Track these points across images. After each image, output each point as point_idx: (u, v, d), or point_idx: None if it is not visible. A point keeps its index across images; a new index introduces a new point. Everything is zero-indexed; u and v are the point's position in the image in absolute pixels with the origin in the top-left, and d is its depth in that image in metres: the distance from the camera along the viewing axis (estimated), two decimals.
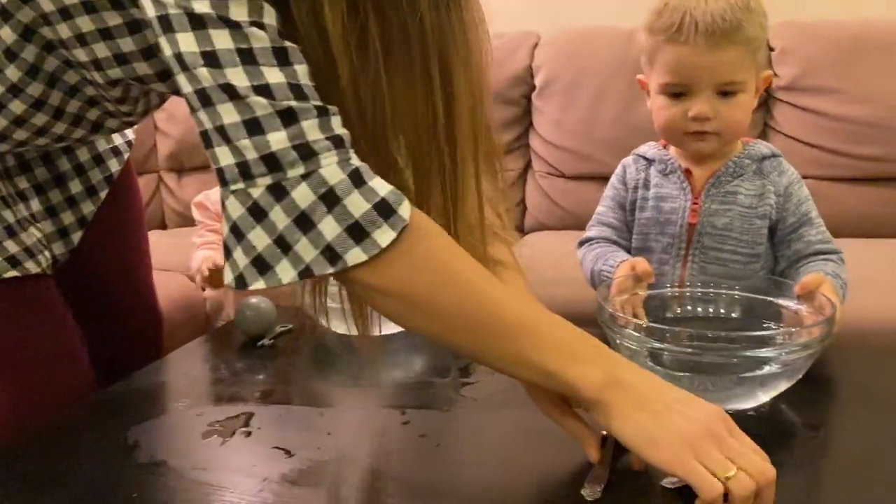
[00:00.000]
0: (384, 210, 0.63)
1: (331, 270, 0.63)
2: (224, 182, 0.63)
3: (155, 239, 2.12)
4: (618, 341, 0.83)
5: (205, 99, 0.61)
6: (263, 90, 0.61)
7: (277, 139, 0.61)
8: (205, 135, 0.63)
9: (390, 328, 1.04)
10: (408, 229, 0.63)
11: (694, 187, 1.07)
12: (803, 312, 0.88)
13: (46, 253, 0.94)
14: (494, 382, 0.90)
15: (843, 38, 1.85)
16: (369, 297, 0.67)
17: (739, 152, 1.06)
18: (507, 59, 2.10)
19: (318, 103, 0.63)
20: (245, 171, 0.62)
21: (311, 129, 0.62)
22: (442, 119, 0.70)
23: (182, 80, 0.62)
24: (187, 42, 0.61)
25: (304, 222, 0.62)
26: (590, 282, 1.15)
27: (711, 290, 0.97)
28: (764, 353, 0.76)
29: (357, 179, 0.63)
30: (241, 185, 0.62)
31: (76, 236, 1.00)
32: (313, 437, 0.78)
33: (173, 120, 2.30)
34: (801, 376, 0.79)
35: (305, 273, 0.63)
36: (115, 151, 1.04)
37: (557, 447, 0.76)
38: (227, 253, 0.65)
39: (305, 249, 0.62)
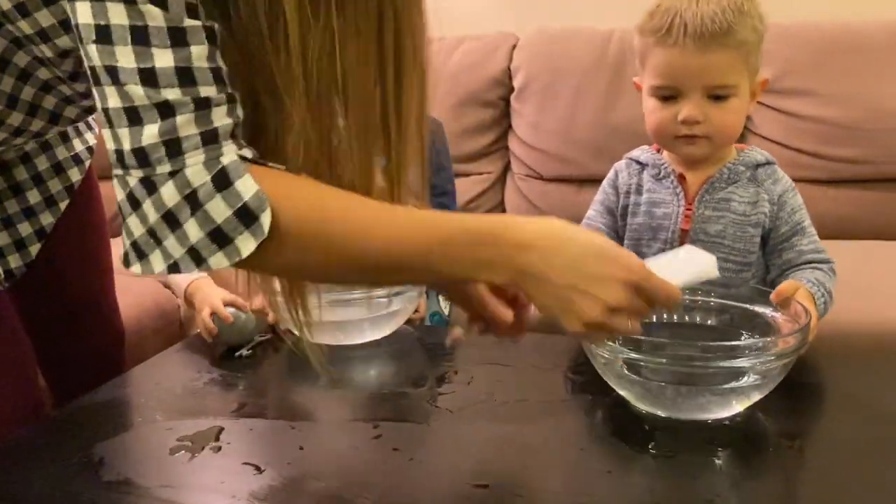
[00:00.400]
0: (246, 217, 0.62)
1: (196, 269, 0.63)
2: (111, 162, 0.63)
3: None
4: (592, 350, 0.83)
5: (95, 77, 0.61)
6: (148, 75, 0.59)
7: (149, 133, 0.60)
8: (100, 112, 0.63)
9: (365, 337, 1.04)
10: (269, 238, 0.62)
11: (687, 193, 1.05)
12: (780, 321, 0.87)
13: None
14: (470, 392, 0.90)
15: (818, 39, 1.86)
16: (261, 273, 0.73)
17: (734, 158, 1.05)
18: (486, 60, 2.09)
19: (208, 93, 0.61)
20: (121, 159, 0.62)
21: (184, 124, 0.61)
22: (391, 87, 0.70)
23: (82, 52, 0.61)
24: (84, 12, 0.59)
25: (172, 221, 0.62)
26: None
27: (687, 297, 0.97)
28: (738, 363, 0.76)
29: (221, 181, 0.62)
30: (119, 172, 0.62)
31: (34, 248, 0.97)
32: (284, 452, 0.77)
33: None
34: (775, 385, 0.79)
35: (174, 268, 0.63)
36: (76, 160, 1.01)
37: (534, 460, 0.75)
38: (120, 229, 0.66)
39: (173, 247, 0.63)
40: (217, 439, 0.80)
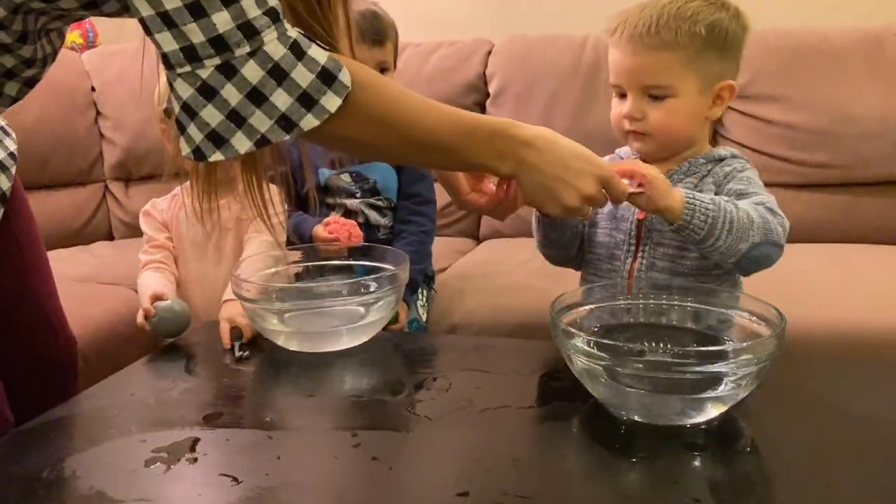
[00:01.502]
0: (327, 77, 0.71)
1: (286, 137, 0.71)
2: (170, 66, 0.67)
3: (101, 251, 2.09)
4: (571, 356, 0.83)
5: None
6: None
7: (222, 21, 0.65)
8: (144, 22, 0.66)
9: (342, 344, 1.03)
10: (351, 92, 0.73)
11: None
12: (756, 326, 0.88)
13: None
14: (448, 400, 0.89)
15: (788, 46, 1.89)
16: (327, 145, 0.86)
17: (699, 155, 1.07)
18: (461, 66, 2.10)
19: None
20: (191, 54, 0.66)
21: (249, 6, 0.66)
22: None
23: None
24: None
25: (257, 97, 0.68)
26: (537, 236, 1.17)
27: (664, 301, 0.97)
28: (715, 369, 0.76)
29: (298, 52, 0.70)
30: (187, 69, 0.67)
31: None
32: (261, 463, 0.76)
33: (120, 128, 2.23)
34: (751, 390, 0.80)
35: (261, 142, 0.70)
36: (2, 167, 0.99)
37: (514, 467, 0.75)
38: (181, 128, 0.70)
39: (260, 121, 0.69)
40: (193, 450, 0.78)
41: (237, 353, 1.04)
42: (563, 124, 1.98)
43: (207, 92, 0.67)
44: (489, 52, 2.11)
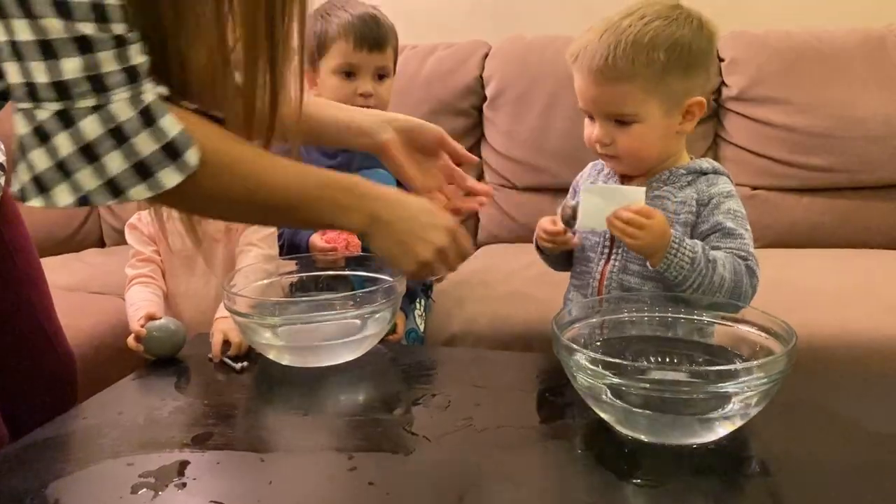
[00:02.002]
0: (172, 152, 0.68)
1: (112, 201, 0.68)
2: (13, 96, 0.64)
3: (92, 259, 2.06)
4: (574, 373, 0.80)
5: (1, 11, 0.60)
6: (62, 8, 0.60)
7: (71, 67, 0.62)
8: (4, 45, 0.62)
9: (337, 359, 1.00)
10: (196, 171, 0.69)
11: None
12: (765, 338, 0.86)
13: None
14: (448, 418, 0.86)
15: (789, 48, 1.86)
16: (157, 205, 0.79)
17: (681, 165, 1.06)
18: (458, 68, 2.07)
19: (119, 31, 0.63)
20: (33, 93, 0.63)
21: (106, 60, 0.63)
22: (280, 21, 0.74)
23: None
24: None
25: (89, 154, 0.65)
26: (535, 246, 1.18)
27: (670, 313, 0.95)
28: (725, 389, 0.74)
29: (147, 118, 0.66)
30: (27, 105, 0.63)
31: None
32: (253, 488, 0.73)
33: None
34: (761, 408, 0.77)
35: (83, 201, 0.67)
36: None
37: (516, 491, 0.72)
38: (16, 164, 0.67)
39: (87, 179, 0.66)
40: (182, 474, 0.75)
41: (237, 365, 1.02)
42: (563, 127, 1.96)
43: (41, 135, 0.64)
44: (486, 55, 2.08)
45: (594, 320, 0.94)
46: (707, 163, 1.07)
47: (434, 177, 1.04)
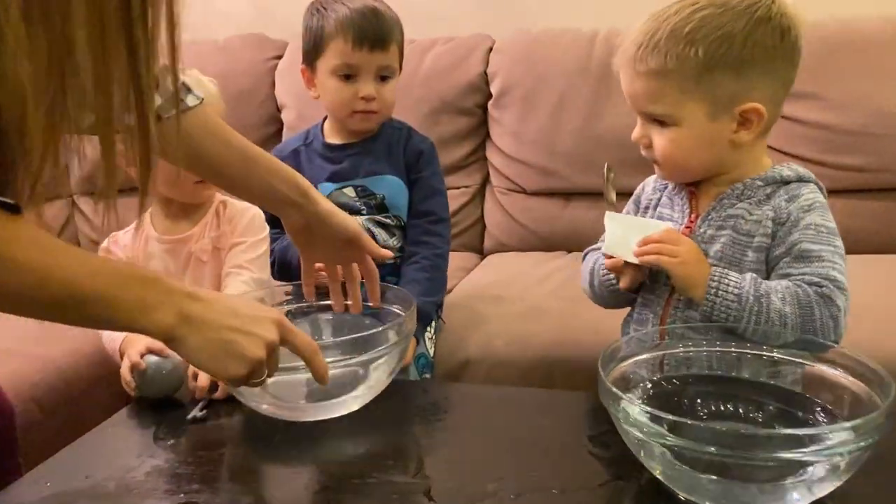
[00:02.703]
0: None
1: None
2: None
3: None
4: (624, 426, 0.67)
5: None
6: None
7: None
8: None
9: (335, 412, 0.86)
10: None
11: (694, 210, 0.94)
12: (852, 383, 0.73)
13: None
14: (473, 478, 0.73)
15: (819, 39, 1.72)
16: None
17: (758, 175, 0.91)
18: (460, 64, 1.93)
19: None
20: None
21: None
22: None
23: None
24: None
25: None
26: (587, 283, 1.04)
27: (734, 348, 0.82)
28: (803, 456, 0.61)
29: None
30: None
31: None
32: None
33: (90, 137, 2.04)
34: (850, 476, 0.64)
35: None
36: None
37: None
38: None
39: None
40: None
41: (194, 414, 0.89)
42: (574, 127, 1.83)
43: None
44: (490, 49, 1.94)
45: (644, 356, 0.81)
46: (789, 169, 0.91)
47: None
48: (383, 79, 1.30)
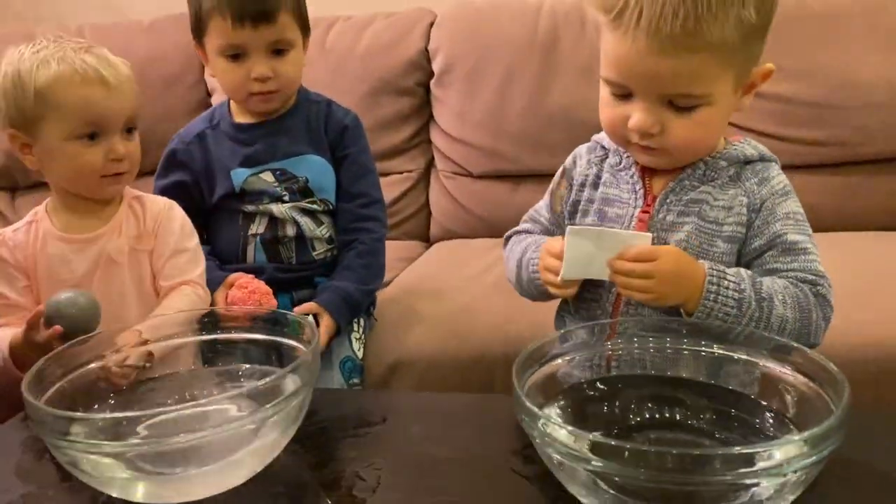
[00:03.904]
0: None
1: None
2: None
3: None
4: (542, 447, 0.57)
5: None
6: None
7: None
8: None
9: (220, 487, 0.70)
10: None
11: (649, 191, 0.84)
12: (802, 383, 0.63)
13: None
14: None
15: (779, 8, 1.63)
16: None
17: (717, 152, 0.82)
18: (400, 41, 1.83)
19: None
20: None
21: None
22: None
23: None
24: None
25: None
26: (514, 275, 0.92)
27: (668, 344, 0.71)
28: (750, 478, 0.52)
29: None
30: None
31: None
32: None
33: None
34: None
35: None
36: None
37: None
38: None
39: None
40: None
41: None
42: (521, 105, 1.73)
43: None
44: (431, 24, 1.84)
45: (570, 357, 0.71)
46: (751, 147, 0.83)
47: None
48: (278, 52, 1.16)
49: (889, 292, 1.26)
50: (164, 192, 1.20)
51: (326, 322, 1.15)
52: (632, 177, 0.84)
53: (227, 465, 0.66)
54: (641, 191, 0.84)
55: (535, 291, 0.89)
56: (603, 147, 0.89)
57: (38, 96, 0.97)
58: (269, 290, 1.13)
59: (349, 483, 0.67)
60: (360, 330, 1.23)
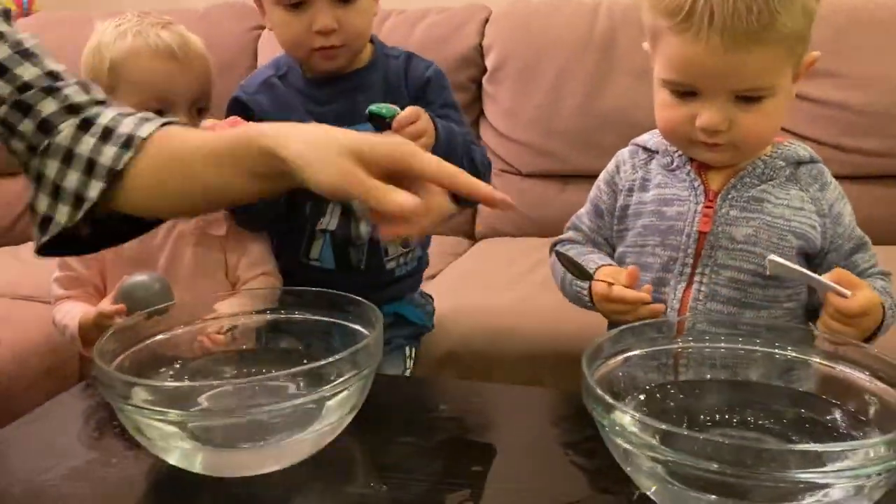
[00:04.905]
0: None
1: None
2: None
3: (30, 254, 1.79)
4: (612, 438, 0.56)
5: None
6: None
7: None
8: None
9: (280, 464, 0.69)
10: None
11: (708, 188, 0.84)
12: (880, 388, 0.62)
13: None
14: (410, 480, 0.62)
15: (837, 13, 1.61)
16: None
17: (770, 151, 0.84)
18: (453, 36, 1.83)
19: None
20: None
21: None
22: None
23: None
24: None
25: None
26: (560, 285, 0.95)
27: (740, 345, 0.70)
28: (824, 478, 0.51)
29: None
30: None
31: None
32: None
33: None
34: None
35: None
36: None
37: None
38: None
39: None
40: None
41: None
42: (573, 104, 1.73)
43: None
44: (486, 20, 1.84)
45: (635, 353, 0.70)
46: (801, 148, 0.85)
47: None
48: (345, 0, 0.99)
49: None
50: None
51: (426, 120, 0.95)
52: (688, 174, 0.85)
53: (286, 444, 0.66)
54: (701, 187, 0.84)
55: (580, 304, 0.90)
56: (646, 149, 0.89)
57: (112, 68, 0.99)
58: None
59: (407, 467, 0.67)
60: (412, 352, 1.16)
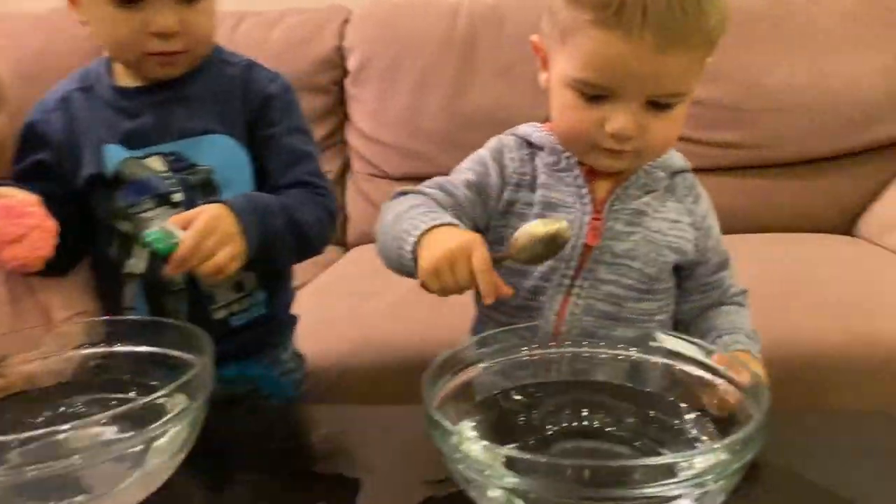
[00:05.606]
0: None
1: None
2: None
3: None
4: (460, 468, 0.53)
5: None
6: None
7: None
8: None
9: None
10: None
11: (595, 196, 0.80)
12: (720, 383, 0.62)
13: None
14: None
15: None
16: None
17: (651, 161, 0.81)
18: (312, 38, 1.76)
19: None
20: None
21: None
22: None
23: None
24: None
25: None
26: (381, 237, 0.80)
27: (585, 348, 0.69)
28: (673, 489, 0.49)
29: None
30: None
31: None
32: None
33: None
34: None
35: None
36: None
37: None
38: None
39: None
40: None
41: None
42: (438, 105, 1.69)
43: None
44: (346, 21, 1.78)
45: (484, 364, 0.67)
46: (677, 155, 0.83)
47: None
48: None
49: (801, 293, 1.28)
50: (21, 177, 0.87)
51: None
52: (575, 179, 0.79)
53: (113, 494, 0.59)
54: (588, 196, 0.79)
55: (398, 257, 0.78)
56: (529, 143, 0.82)
57: None
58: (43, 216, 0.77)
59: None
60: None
